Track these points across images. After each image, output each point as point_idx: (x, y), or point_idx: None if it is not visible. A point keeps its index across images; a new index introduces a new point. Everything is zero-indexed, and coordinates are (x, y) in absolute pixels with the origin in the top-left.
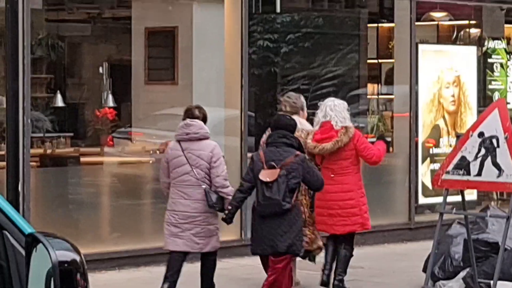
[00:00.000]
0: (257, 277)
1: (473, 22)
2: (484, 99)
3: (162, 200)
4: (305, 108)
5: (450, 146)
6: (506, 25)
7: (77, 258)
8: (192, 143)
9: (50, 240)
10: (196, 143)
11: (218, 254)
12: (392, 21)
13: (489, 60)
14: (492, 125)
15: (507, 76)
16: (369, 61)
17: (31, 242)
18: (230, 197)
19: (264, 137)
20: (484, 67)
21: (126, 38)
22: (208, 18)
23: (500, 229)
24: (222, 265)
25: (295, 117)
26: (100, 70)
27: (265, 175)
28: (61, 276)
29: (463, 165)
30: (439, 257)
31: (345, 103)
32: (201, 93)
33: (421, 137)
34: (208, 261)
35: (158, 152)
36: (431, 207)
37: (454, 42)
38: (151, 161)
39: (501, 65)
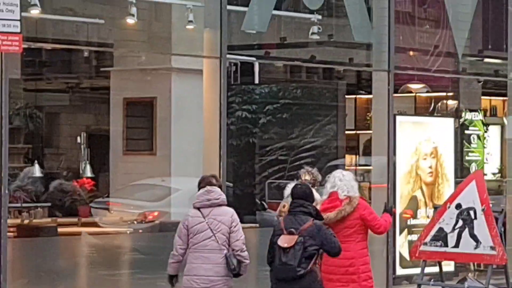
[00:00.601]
0: None
1: (450, 94)
2: (462, 170)
3: (140, 271)
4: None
5: (428, 217)
6: (482, 97)
7: None
8: (213, 209)
9: None
10: (216, 209)
11: None
12: (370, 93)
13: (466, 132)
14: (470, 196)
15: (484, 147)
16: (347, 132)
17: None
18: (247, 261)
19: (280, 206)
20: (462, 139)
21: (105, 108)
22: (186, 89)
23: None
24: None
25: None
26: (78, 140)
27: (283, 241)
28: None
29: (441, 237)
30: None
31: (352, 174)
32: (180, 164)
33: (399, 208)
34: None
35: (136, 222)
36: (408, 278)
37: (431, 114)
38: (129, 232)
39: (478, 136)
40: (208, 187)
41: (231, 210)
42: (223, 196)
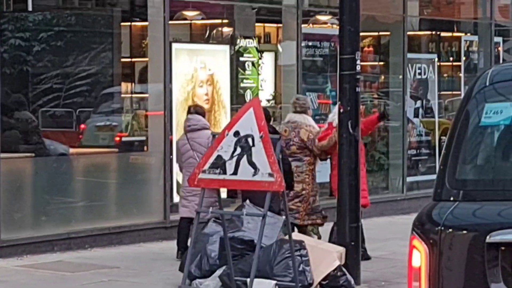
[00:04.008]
0: (11, 279)
1: (225, 21)
2: (237, 97)
3: None
4: (311, 108)
5: None
6: (257, 24)
7: None
8: (193, 133)
9: None
10: (196, 133)
11: None
12: (145, 20)
13: (241, 59)
14: (248, 124)
15: (258, 74)
16: (122, 59)
17: None
18: None
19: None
20: (237, 66)
21: None
22: None
23: (255, 227)
24: None
25: (304, 115)
26: None
27: None
28: None
29: (219, 164)
30: (195, 256)
31: None
32: None
33: (175, 136)
34: None
35: None
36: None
37: (207, 41)
38: None
39: (253, 63)
40: (188, 116)
41: (208, 133)
42: (202, 122)
